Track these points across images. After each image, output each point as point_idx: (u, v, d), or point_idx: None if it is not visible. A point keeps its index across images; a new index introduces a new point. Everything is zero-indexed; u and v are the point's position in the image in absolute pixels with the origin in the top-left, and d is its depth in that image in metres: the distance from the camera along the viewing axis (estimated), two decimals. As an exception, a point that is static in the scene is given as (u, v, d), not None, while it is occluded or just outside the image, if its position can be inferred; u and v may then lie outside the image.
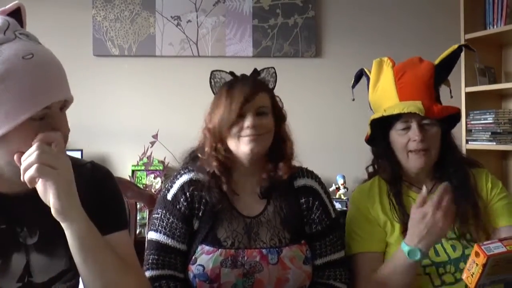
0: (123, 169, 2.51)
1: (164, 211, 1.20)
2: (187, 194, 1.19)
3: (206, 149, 1.21)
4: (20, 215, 0.93)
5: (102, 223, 0.99)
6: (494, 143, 2.48)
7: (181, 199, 1.19)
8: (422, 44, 2.64)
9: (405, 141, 1.27)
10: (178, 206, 1.19)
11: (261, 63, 2.55)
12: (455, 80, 1.51)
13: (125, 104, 2.63)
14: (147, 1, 2.62)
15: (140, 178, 2.50)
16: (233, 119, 1.16)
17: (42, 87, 0.83)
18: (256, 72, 1.29)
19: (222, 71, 1.26)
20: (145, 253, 1.20)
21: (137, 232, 1.60)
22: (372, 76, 1.39)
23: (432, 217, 1.10)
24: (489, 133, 2.49)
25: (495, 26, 2.54)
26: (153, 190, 2.43)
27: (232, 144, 1.18)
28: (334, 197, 2.41)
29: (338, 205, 2.27)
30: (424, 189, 1.15)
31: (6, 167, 0.88)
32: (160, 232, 1.18)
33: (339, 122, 2.67)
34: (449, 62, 1.34)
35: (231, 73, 1.27)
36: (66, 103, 0.91)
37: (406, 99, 1.27)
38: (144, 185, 2.45)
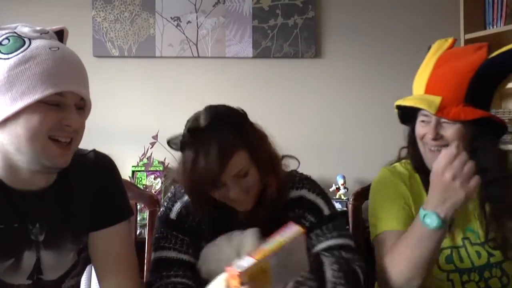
0: (123, 170, 2.48)
1: (169, 230, 1.11)
2: (194, 214, 1.12)
3: (193, 206, 1.10)
4: (33, 211, 0.94)
5: (106, 213, 1.02)
6: (494, 143, 2.47)
7: (189, 219, 1.12)
8: (422, 44, 2.64)
9: (423, 133, 1.18)
10: (186, 225, 1.11)
11: (261, 64, 2.58)
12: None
13: (125, 105, 2.63)
14: (147, 2, 2.62)
15: (140, 179, 2.50)
16: (211, 192, 1.04)
17: (59, 74, 0.88)
18: (217, 120, 1.02)
19: (177, 136, 1.09)
20: (153, 276, 1.09)
21: (137, 233, 1.60)
22: (426, 58, 1.25)
23: (453, 180, 0.97)
24: (489, 133, 2.48)
25: (495, 26, 2.54)
26: (153, 191, 2.43)
27: (221, 201, 1.08)
28: (334, 197, 2.41)
29: (338, 205, 2.27)
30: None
31: (16, 156, 0.89)
32: (170, 249, 1.09)
33: (339, 122, 2.67)
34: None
35: (190, 131, 1.04)
36: (83, 103, 0.95)
37: (430, 93, 1.16)
38: (144, 186, 2.45)
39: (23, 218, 0.93)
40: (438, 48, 1.24)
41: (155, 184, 2.48)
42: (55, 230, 0.96)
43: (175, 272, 1.06)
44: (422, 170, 1.22)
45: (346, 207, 1.38)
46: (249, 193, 1.05)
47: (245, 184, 1.03)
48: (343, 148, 2.63)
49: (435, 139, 1.15)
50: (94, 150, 1.09)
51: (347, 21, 2.69)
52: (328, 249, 1.09)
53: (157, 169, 2.49)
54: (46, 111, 0.87)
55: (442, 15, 2.69)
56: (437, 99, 1.12)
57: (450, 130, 1.14)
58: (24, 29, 0.91)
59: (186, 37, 2.63)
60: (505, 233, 1.14)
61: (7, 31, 0.91)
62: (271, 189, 1.08)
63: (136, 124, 2.62)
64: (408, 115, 1.24)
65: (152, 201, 1.46)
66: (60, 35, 0.99)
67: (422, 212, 1.01)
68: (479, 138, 1.13)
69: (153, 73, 2.65)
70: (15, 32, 0.90)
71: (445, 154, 0.99)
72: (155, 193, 2.29)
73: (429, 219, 0.99)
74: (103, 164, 1.07)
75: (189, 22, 2.63)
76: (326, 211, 1.14)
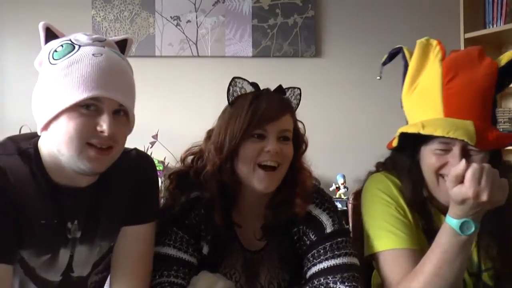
0: (123, 170, 2.52)
1: (169, 225, 1.08)
2: (196, 212, 1.09)
3: (208, 167, 1.06)
4: (72, 208, 0.96)
5: (139, 211, 1.04)
6: (494, 142, 2.46)
7: (191, 216, 1.08)
8: (421, 43, 2.65)
9: (440, 164, 1.00)
10: (186, 221, 1.08)
11: (260, 63, 2.58)
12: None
13: (125, 104, 2.64)
14: (147, 2, 2.62)
15: (140, 178, 2.50)
16: (252, 134, 1.02)
17: (96, 79, 0.89)
18: (281, 89, 1.10)
19: (245, 80, 1.09)
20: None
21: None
22: (412, 65, 1.07)
23: (489, 199, 0.87)
24: (489, 132, 2.48)
25: (495, 25, 2.54)
26: (153, 190, 2.43)
27: (244, 169, 1.03)
28: (334, 197, 2.41)
29: (338, 205, 2.27)
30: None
31: (59, 157, 0.91)
32: (170, 246, 1.06)
33: (339, 122, 2.67)
34: None
35: (254, 84, 1.08)
36: (122, 109, 0.98)
37: (454, 115, 0.97)
38: (144, 185, 2.45)
39: (62, 214, 0.95)
40: (422, 53, 1.08)
41: (155, 183, 2.48)
42: (89, 226, 0.98)
43: (175, 272, 1.04)
44: (421, 208, 1.07)
45: (346, 206, 1.36)
46: (281, 161, 1.03)
47: (282, 149, 1.03)
48: (343, 147, 2.63)
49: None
50: (135, 149, 1.12)
51: (346, 21, 2.69)
52: (319, 274, 1.05)
53: (157, 168, 2.49)
54: (82, 116, 0.88)
55: (442, 14, 2.69)
56: (469, 126, 0.94)
57: (476, 159, 0.95)
58: (79, 36, 0.94)
59: (186, 36, 2.63)
60: (501, 270, 1.05)
61: (65, 38, 0.93)
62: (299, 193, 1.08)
63: (136, 123, 2.61)
64: (408, 142, 1.05)
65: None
66: (123, 44, 1.03)
67: (456, 221, 0.92)
68: (496, 165, 0.94)
69: (153, 72, 2.65)
70: (70, 40, 0.93)
71: (471, 177, 0.87)
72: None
73: (466, 226, 0.92)
74: (143, 164, 1.10)
75: (188, 21, 2.63)
76: (329, 228, 1.09)
